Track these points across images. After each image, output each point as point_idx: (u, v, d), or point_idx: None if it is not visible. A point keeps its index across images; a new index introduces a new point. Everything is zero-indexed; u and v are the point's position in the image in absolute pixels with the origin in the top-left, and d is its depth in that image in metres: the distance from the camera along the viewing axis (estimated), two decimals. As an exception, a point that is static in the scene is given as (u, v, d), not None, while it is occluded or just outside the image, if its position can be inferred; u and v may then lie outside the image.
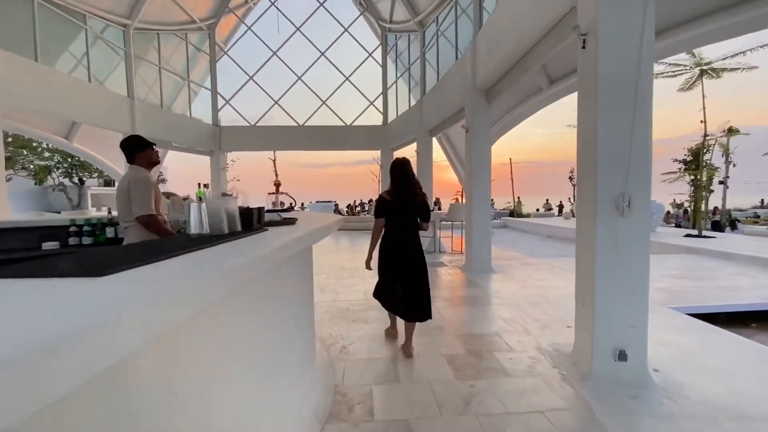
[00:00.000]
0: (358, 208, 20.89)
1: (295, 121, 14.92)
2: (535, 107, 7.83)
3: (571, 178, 31.23)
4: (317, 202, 24.46)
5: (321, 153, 18.64)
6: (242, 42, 15.18)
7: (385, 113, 14.95)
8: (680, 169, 25.14)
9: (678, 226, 17.67)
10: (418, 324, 3.29)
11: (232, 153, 20.88)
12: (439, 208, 14.71)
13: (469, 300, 4.85)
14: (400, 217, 3.25)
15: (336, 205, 18.34)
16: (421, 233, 3.36)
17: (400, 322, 3.42)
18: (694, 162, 23.60)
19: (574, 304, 3.08)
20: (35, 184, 18.39)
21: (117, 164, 11.02)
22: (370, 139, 14.77)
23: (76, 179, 19.82)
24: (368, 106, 15.08)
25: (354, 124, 14.99)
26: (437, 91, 9.02)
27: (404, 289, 3.21)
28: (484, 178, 6.62)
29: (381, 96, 15.03)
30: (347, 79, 15.01)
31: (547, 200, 27.31)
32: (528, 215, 23.80)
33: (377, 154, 15.50)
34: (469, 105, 6.69)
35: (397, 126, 13.45)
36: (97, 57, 9.66)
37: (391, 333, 3.61)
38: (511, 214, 23.19)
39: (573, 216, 18.19)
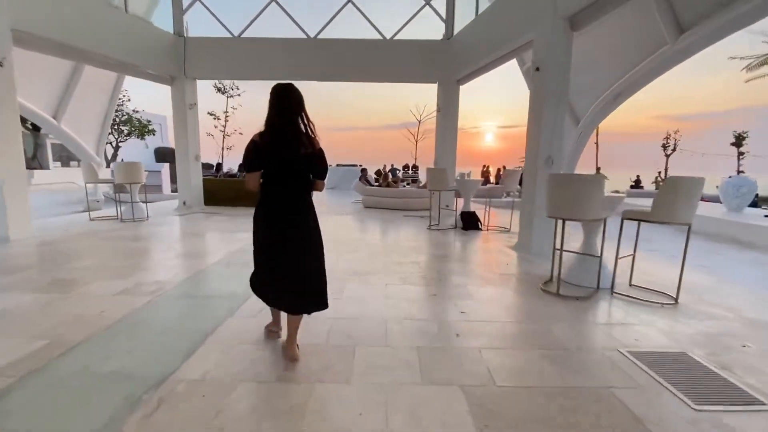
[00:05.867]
0: (390, 174, 15.54)
1: (304, 32, 9.34)
2: None
3: (665, 147, 24.42)
4: (338, 165, 19.08)
5: (341, 112, 12.48)
6: None
7: (449, 20, 9.13)
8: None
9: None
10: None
11: (235, 99, 15.62)
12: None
13: None
14: (278, 170, 2.16)
15: (364, 170, 12.97)
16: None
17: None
18: None
19: None
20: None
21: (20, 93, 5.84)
22: (424, 63, 9.07)
23: (29, 124, 15.19)
24: (423, 6, 9.27)
25: (397, 38, 9.30)
26: None
27: (287, 268, 2.23)
28: None
29: (444, -8, 9.16)
30: (389, -39, 9.21)
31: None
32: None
33: (430, 98, 9.87)
34: None
35: (476, 34, 7.74)
36: None
37: (272, 330, 2.61)
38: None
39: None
